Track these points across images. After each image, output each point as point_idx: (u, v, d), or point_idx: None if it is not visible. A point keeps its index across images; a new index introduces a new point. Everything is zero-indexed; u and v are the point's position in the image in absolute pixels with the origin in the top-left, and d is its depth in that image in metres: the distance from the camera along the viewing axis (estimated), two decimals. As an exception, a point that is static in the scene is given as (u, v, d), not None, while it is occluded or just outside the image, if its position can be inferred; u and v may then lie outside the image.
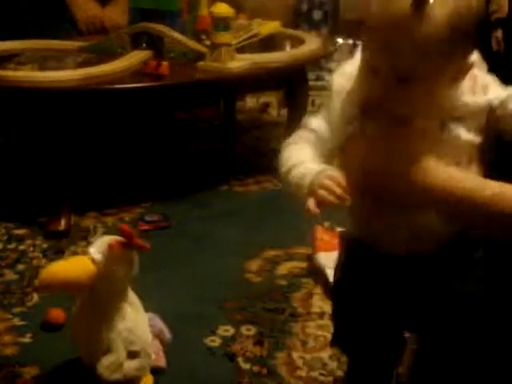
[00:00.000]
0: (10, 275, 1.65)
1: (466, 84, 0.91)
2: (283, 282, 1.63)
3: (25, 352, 1.38)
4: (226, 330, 1.44)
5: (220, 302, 1.54)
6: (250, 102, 2.92)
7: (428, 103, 0.89)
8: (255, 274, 1.67)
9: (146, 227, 1.89)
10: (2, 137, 2.29)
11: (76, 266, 1.21)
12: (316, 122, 1.01)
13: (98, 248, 1.20)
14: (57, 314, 1.44)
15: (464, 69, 0.89)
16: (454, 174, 0.92)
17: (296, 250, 1.76)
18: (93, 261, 1.19)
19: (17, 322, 1.47)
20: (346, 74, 0.96)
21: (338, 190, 0.88)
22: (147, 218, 1.93)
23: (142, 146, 2.48)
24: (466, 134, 0.93)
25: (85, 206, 1.97)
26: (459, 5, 0.83)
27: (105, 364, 1.21)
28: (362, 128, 0.94)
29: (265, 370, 1.32)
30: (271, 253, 1.75)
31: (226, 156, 2.45)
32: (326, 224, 1.71)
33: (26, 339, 1.42)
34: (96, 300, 1.23)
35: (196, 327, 1.45)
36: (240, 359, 1.35)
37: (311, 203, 0.89)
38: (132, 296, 1.28)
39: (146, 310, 1.34)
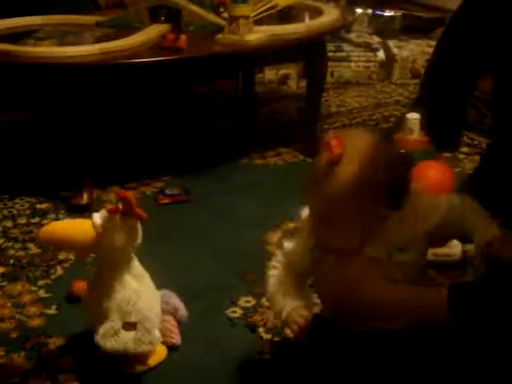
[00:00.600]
0: (33, 249, 1.68)
1: (407, 216, 1.10)
2: (303, 254, 1.64)
3: (50, 323, 1.41)
4: (247, 301, 1.46)
5: (241, 274, 1.56)
6: (269, 74, 2.91)
7: (348, 240, 1.09)
8: (275, 245, 1.68)
9: (166, 201, 1.91)
10: (25, 112, 2.31)
11: (76, 226, 1.25)
12: (289, 247, 1.20)
13: (100, 213, 1.21)
14: (81, 286, 1.46)
15: (382, 215, 1.07)
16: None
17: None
18: (92, 225, 1.20)
19: (42, 294, 1.50)
20: None
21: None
22: (167, 191, 1.95)
23: (162, 120, 2.49)
24: (410, 258, 1.12)
25: (106, 180, 1.99)
26: (363, 167, 1.04)
27: (100, 332, 1.22)
28: (322, 258, 1.14)
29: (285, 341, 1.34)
30: (291, 225, 1.76)
31: (246, 129, 2.45)
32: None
33: (52, 311, 1.45)
34: (98, 269, 1.26)
35: (217, 299, 1.47)
36: (261, 330, 1.37)
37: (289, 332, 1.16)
38: (137, 268, 1.27)
39: (167, 281, 1.36)
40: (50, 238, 1.26)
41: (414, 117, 1.97)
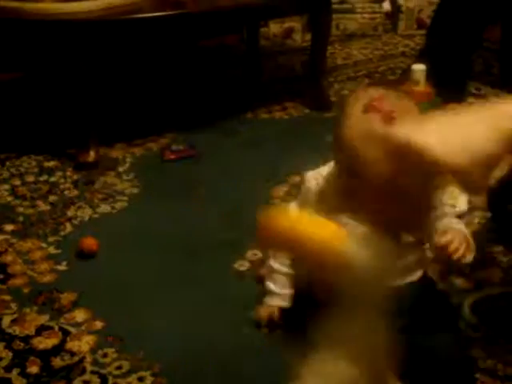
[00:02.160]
0: (42, 206, 1.70)
1: None
2: (310, 207, 1.65)
3: (61, 279, 1.43)
4: (254, 255, 1.48)
5: (248, 228, 1.56)
6: (274, 27, 2.88)
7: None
8: (282, 199, 1.69)
9: (172, 156, 1.91)
10: (21, 72, 2.31)
11: (324, 228, 0.87)
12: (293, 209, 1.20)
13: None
14: (90, 243, 1.48)
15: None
16: None
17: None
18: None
19: (52, 250, 1.52)
20: (320, 174, 1.18)
21: None
22: (173, 147, 1.96)
23: (167, 75, 2.48)
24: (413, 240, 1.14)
25: (113, 137, 2.00)
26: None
27: None
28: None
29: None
30: (297, 178, 1.77)
31: (251, 83, 2.45)
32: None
33: (62, 267, 1.47)
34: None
35: (225, 252, 1.49)
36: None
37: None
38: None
39: (176, 236, 1.37)
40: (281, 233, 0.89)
41: (419, 68, 1.96)
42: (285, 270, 1.25)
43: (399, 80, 2.14)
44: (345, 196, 1.09)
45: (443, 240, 1.10)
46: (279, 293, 1.26)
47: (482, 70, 2.38)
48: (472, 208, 1.58)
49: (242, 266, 1.45)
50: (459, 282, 1.38)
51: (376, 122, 1.02)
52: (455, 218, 1.20)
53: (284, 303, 1.26)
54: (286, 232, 0.87)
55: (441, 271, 1.39)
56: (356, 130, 1.05)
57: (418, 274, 1.20)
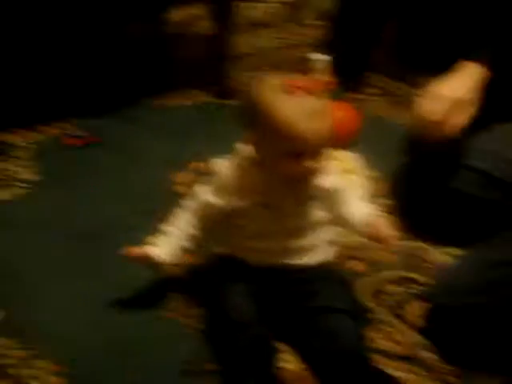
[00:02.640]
0: None
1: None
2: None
3: None
4: (157, 240, 1.48)
5: (150, 214, 1.57)
6: (178, 14, 2.87)
7: None
8: (187, 185, 1.70)
9: (74, 142, 1.89)
10: None
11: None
12: (202, 195, 1.23)
13: None
14: None
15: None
16: None
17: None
18: None
19: None
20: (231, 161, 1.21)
21: None
22: (75, 133, 1.93)
23: (71, 59, 2.43)
24: (317, 211, 1.20)
25: (11, 123, 1.94)
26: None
27: None
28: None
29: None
30: (202, 165, 1.78)
31: (155, 70, 2.43)
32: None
33: None
34: None
35: (128, 238, 1.48)
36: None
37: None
38: None
39: (77, 222, 1.36)
40: None
41: (321, 58, 2.00)
42: (191, 231, 1.25)
43: (301, 69, 2.17)
44: (284, 180, 1.15)
45: (374, 230, 1.18)
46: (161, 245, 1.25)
47: (381, 62, 2.45)
48: (374, 195, 1.64)
49: (145, 251, 1.45)
50: (356, 265, 1.43)
51: (308, 97, 1.09)
52: (365, 202, 1.27)
53: (166, 256, 1.24)
54: None
55: (341, 254, 1.44)
56: (293, 111, 1.09)
57: (322, 256, 1.25)
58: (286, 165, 1.12)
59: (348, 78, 2.08)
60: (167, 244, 1.24)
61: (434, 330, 1.24)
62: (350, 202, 1.24)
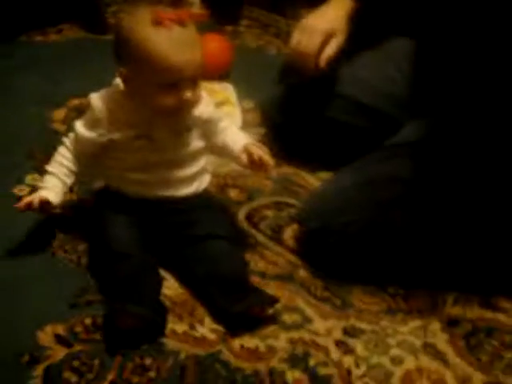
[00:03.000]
0: None
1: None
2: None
3: None
4: (34, 179, 1.47)
5: (28, 153, 1.55)
6: None
7: None
8: (61, 122, 1.68)
9: None
10: None
11: None
12: (80, 130, 1.23)
13: None
14: None
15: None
16: None
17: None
18: None
19: None
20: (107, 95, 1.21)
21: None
22: None
23: None
24: (194, 141, 1.24)
25: None
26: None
27: None
28: None
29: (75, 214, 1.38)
30: (76, 101, 1.76)
31: (29, 5, 2.34)
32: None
33: None
34: None
35: (3, 177, 1.46)
36: (51, 205, 1.40)
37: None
38: None
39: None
40: None
41: (193, -10, 2.00)
42: (72, 167, 1.25)
43: (174, 2, 2.17)
44: (159, 112, 1.17)
45: (251, 158, 1.22)
46: (49, 186, 1.24)
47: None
48: (249, 125, 1.68)
49: (22, 191, 1.44)
50: (234, 193, 1.49)
51: (178, 28, 1.12)
52: (241, 132, 1.32)
53: (56, 198, 1.23)
54: None
55: (219, 183, 1.49)
56: (164, 42, 1.11)
57: (200, 185, 1.29)
58: (161, 97, 1.14)
59: (223, 11, 2.09)
60: (55, 185, 1.24)
61: (309, 251, 1.32)
62: (226, 131, 1.28)
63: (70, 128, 1.27)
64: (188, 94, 1.14)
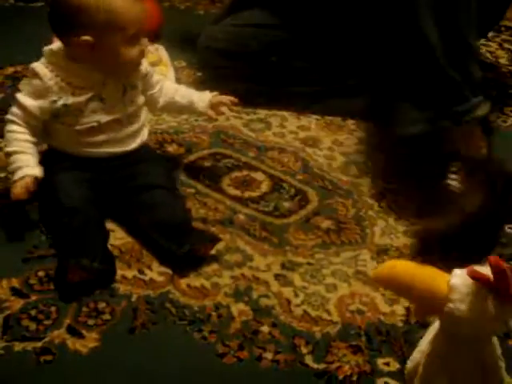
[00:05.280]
0: None
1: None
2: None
3: None
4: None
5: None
6: None
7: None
8: (-2, 92, 1.71)
9: None
10: None
11: (429, 275, 0.91)
12: (27, 102, 1.25)
13: (462, 274, 0.89)
14: None
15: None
16: None
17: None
18: (449, 285, 0.88)
19: None
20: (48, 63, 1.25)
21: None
22: None
23: None
24: (138, 97, 1.33)
25: None
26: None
27: None
28: None
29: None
30: (11, 69, 1.79)
31: None
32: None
33: None
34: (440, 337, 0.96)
35: None
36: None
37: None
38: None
39: None
40: (389, 280, 0.95)
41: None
42: (30, 138, 1.26)
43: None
44: (108, 71, 1.26)
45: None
46: (29, 164, 1.25)
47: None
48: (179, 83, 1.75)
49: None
50: (172, 148, 1.56)
51: None
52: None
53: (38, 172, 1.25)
54: (402, 284, 0.92)
55: (157, 140, 1.55)
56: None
57: (143, 138, 1.37)
58: (127, 51, 1.23)
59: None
60: (29, 160, 1.25)
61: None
62: (180, 90, 1.42)
63: (14, 101, 1.27)
64: (146, 44, 1.25)
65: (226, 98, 1.42)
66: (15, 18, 2.08)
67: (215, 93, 1.43)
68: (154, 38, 1.89)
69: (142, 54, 1.27)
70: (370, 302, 1.19)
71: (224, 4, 2.11)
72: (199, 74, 1.81)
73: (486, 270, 0.86)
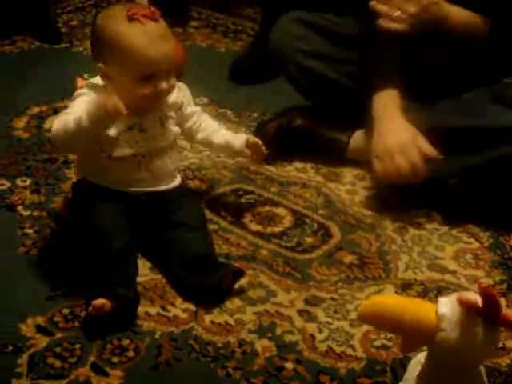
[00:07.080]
0: None
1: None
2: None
3: None
4: (2, 184, 1.52)
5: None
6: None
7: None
8: (23, 130, 1.73)
9: None
10: None
11: (416, 308, 0.91)
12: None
13: (446, 301, 0.90)
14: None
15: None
16: None
17: (60, 103, 1.82)
18: (437, 314, 0.89)
19: None
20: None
21: None
22: None
23: None
24: (173, 127, 1.33)
25: None
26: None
27: None
28: None
29: (45, 213, 1.44)
30: (36, 109, 1.82)
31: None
32: (86, 75, 1.80)
33: None
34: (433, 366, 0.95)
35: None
36: (20, 208, 1.46)
37: None
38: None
39: None
40: (378, 316, 0.93)
41: (142, -5, 2.07)
42: None
43: (125, 2, 2.23)
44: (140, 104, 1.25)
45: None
46: None
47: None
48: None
49: (-8, 196, 1.49)
50: (194, 184, 1.57)
51: (152, 23, 1.21)
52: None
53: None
54: (393, 319, 0.91)
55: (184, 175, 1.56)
56: (141, 36, 1.20)
57: (179, 178, 1.39)
58: (138, 88, 1.22)
59: (171, 13, 2.16)
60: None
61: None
62: (218, 131, 1.43)
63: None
64: (163, 85, 1.24)
65: (262, 146, 1.40)
66: (41, 59, 2.12)
67: (251, 135, 1.46)
68: (177, 76, 1.91)
69: (157, 94, 1.24)
70: (395, 337, 1.18)
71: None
72: (221, 110, 1.82)
73: (474, 296, 0.87)
